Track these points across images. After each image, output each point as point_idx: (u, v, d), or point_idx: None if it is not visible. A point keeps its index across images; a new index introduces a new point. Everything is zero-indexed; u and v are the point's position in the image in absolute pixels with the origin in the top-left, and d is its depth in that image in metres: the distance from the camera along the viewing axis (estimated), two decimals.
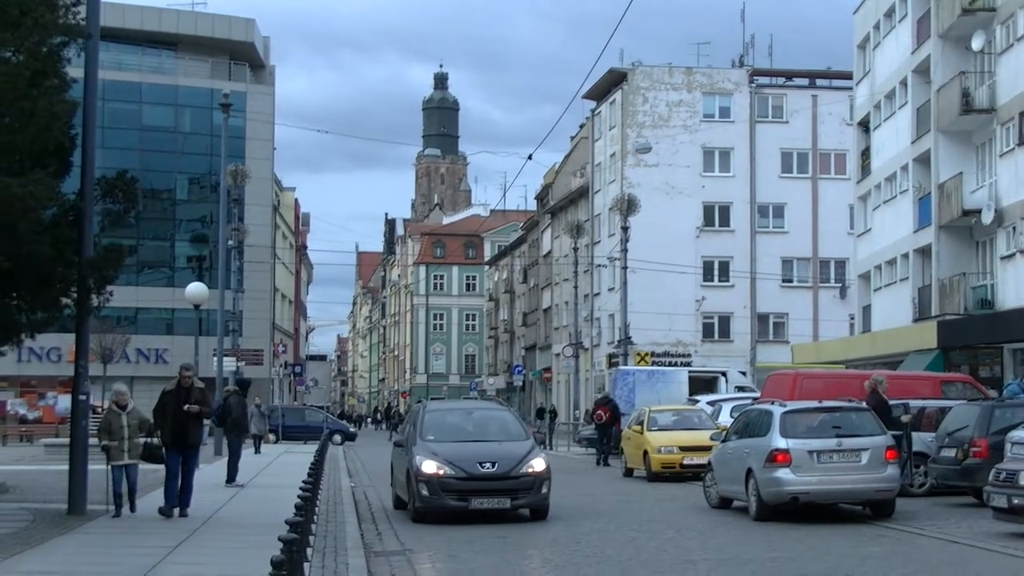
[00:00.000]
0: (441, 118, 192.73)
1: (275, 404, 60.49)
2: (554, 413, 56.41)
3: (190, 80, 68.98)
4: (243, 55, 71.40)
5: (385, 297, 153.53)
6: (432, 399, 47.66)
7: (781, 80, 66.97)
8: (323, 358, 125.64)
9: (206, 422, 21.12)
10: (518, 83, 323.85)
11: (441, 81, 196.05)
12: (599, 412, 36.67)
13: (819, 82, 66.92)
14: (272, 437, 47.33)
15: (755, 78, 65.57)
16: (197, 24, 70.31)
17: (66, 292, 17.89)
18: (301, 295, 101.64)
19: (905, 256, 43.21)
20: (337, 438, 50.84)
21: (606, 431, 35.86)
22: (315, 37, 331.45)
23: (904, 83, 43.64)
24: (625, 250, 50.69)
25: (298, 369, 79.07)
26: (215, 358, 39.53)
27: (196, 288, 35.93)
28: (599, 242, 68.64)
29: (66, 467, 18.18)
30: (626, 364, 50.07)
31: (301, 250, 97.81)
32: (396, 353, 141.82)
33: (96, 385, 29.95)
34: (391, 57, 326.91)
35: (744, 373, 50.07)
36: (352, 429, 62.70)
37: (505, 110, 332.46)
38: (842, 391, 23.41)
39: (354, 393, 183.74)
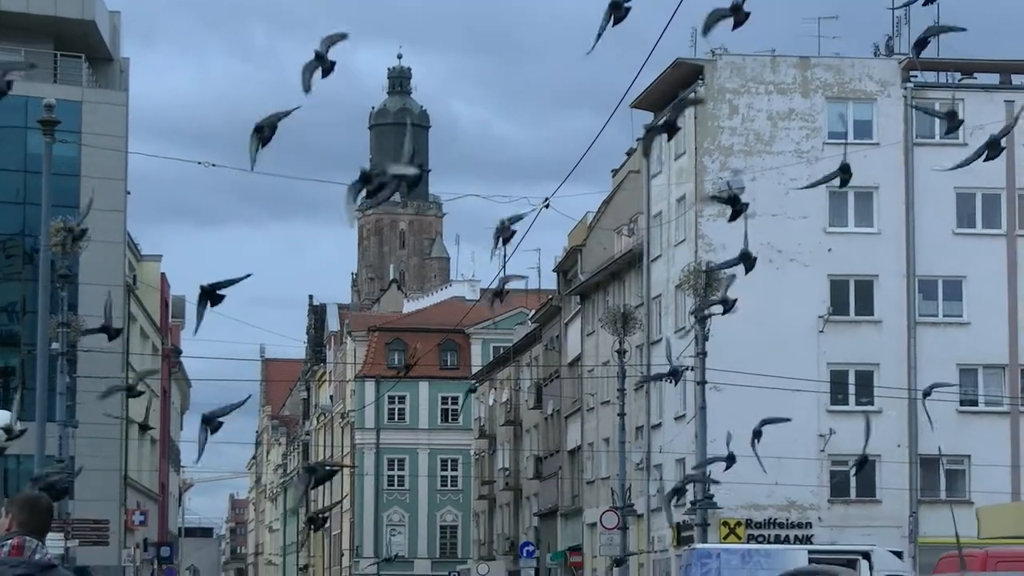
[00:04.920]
0: (400, 140, 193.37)
1: None
2: None
3: None
4: (77, 42, 71.82)
5: (308, 433, 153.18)
6: None
7: (955, 77, 67.24)
8: (208, 532, 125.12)
9: None
10: (525, 77, 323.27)
11: (400, 80, 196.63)
12: None
13: (1016, 79, 67.24)
14: None
15: (913, 74, 65.87)
16: None
17: None
18: (171, 431, 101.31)
19: None
20: None
21: None
22: (208, 3, 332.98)
23: None
24: (703, 354, 50.60)
25: (166, 551, 78.53)
26: None
27: (0, 419, 35.84)
28: (659, 341, 68.52)
29: None
30: (706, 540, 49.77)
31: (171, 358, 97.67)
32: (327, 524, 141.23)
33: None
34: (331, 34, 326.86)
35: (899, 554, 49.76)
36: None
37: (505, 122, 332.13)
38: None
39: None
